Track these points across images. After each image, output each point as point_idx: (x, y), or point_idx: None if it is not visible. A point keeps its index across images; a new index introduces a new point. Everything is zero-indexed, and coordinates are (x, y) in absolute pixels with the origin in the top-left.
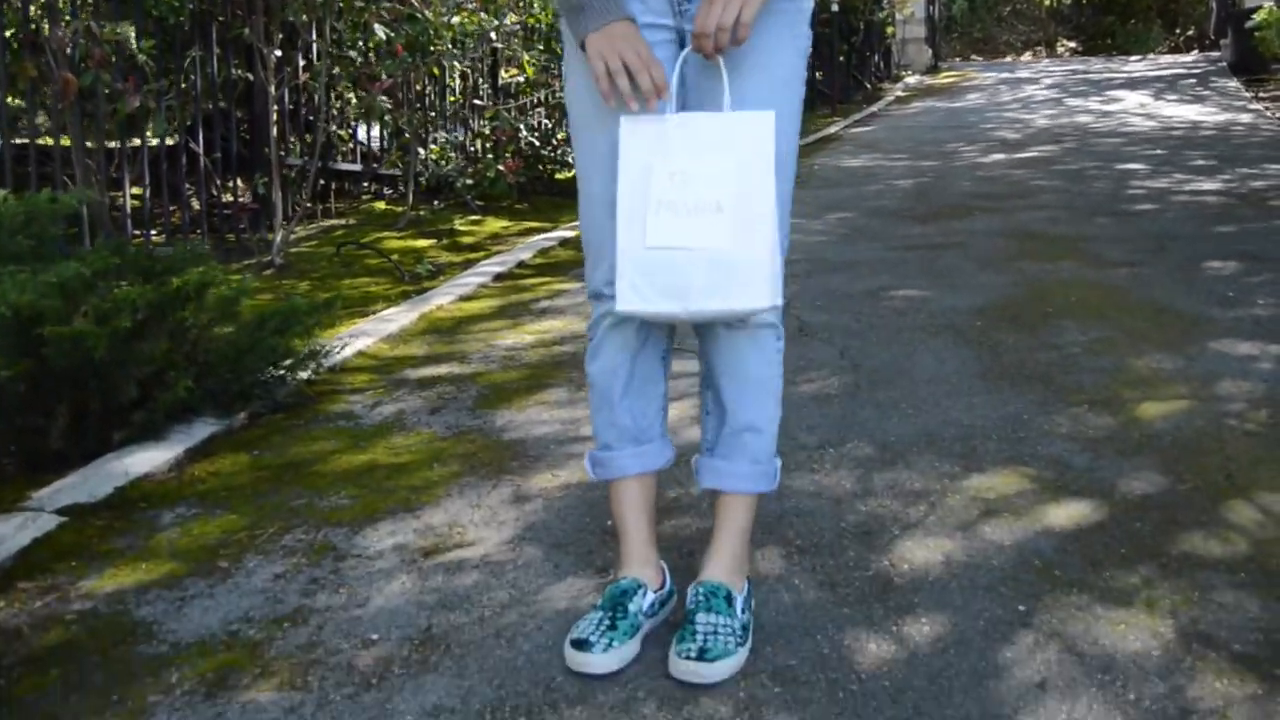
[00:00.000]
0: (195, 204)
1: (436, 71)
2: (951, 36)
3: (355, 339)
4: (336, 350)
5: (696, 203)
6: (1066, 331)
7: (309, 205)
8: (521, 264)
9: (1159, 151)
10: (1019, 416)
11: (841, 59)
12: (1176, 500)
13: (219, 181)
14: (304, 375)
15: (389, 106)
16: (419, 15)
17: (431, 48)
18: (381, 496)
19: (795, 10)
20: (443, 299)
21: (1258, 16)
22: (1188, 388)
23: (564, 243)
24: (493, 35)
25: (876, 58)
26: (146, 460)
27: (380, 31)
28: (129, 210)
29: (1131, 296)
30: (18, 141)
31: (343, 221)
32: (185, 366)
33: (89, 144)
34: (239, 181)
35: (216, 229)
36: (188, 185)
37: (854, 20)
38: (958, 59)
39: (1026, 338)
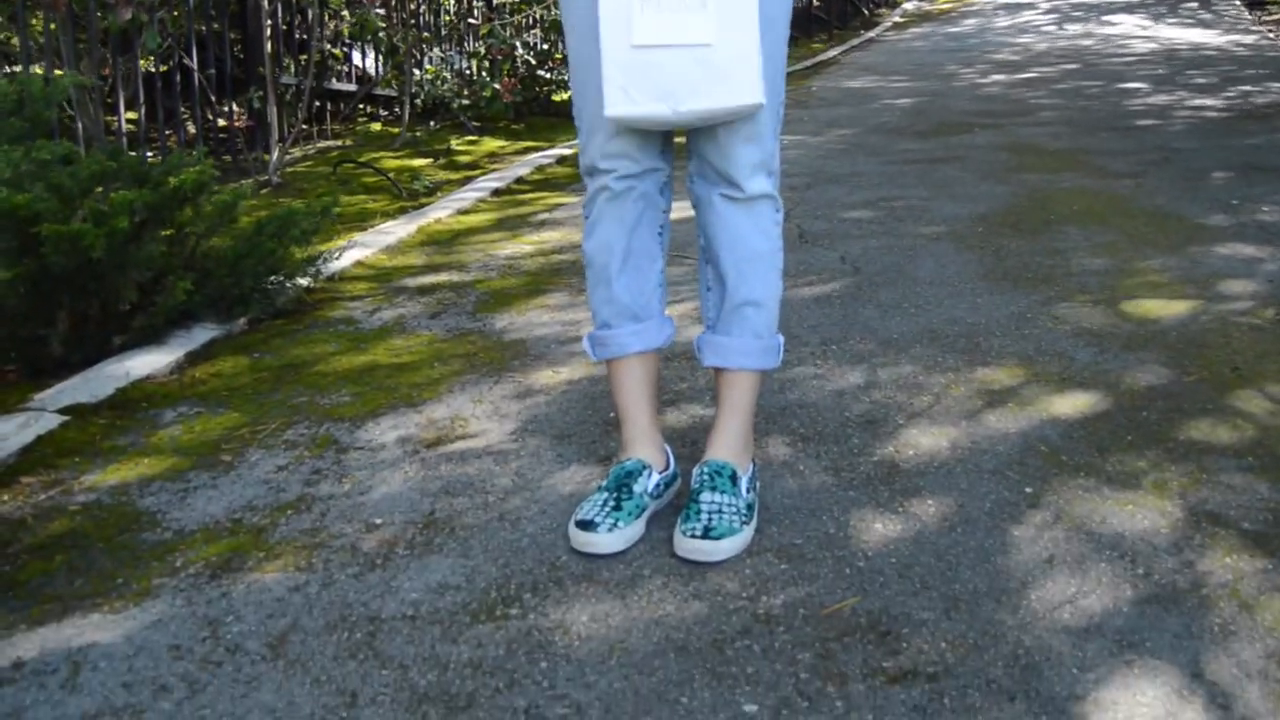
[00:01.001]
0: (190, 127)
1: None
2: None
3: (353, 249)
4: (334, 257)
5: None
6: (1069, 236)
7: (305, 126)
8: (519, 180)
9: (1161, 71)
10: (1023, 314)
11: None
12: (1182, 390)
13: (214, 101)
14: (303, 282)
15: (383, 25)
16: None
17: None
18: (383, 394)
19: None
20: (440, 213)
21: None
22: (1192, 287)
23: (562, 160)
24: None
25: None
26: (147, 363)
27: None
28: (124, 132)
29: (1134, 204)
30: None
31: (339, 142)
32: (184, 272)
33: (81, 65)
34: (234, 104)
35: (213, 151)
36: (183, 108)
37: None
38: None
39: (1029, 242)
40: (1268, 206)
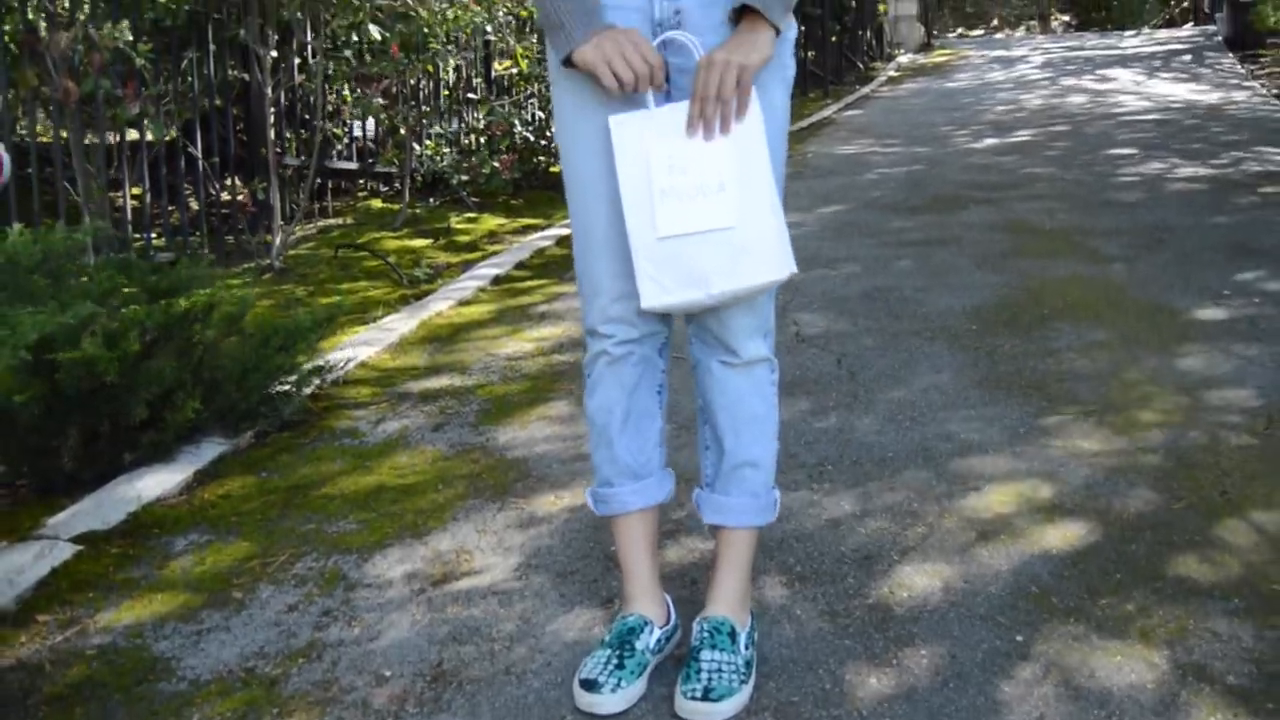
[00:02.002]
0: (194, 204)
1: (431, 69)
2: (944, 10)
3: (357, 348)
4: (340, 366)
5: (699, 185)
6: (1062, 335)
7: (307, 206)
8: (519, 265)
9: (1154, 134)
10: (1015, 430)
11: (833, 39)
12: (1171, 520)
13: (217, 183)
14: (308, 391)
15: (384, 104)
16: (414, 14)
17: (427, 46)
18: (389, 521)
19: (782, 43)
20: (441, 305)
21: None
22: (1183, 397)
23: (560, 241)
24: (487, 28)
25: (869, 36)
26: (157, 484)
27: (375, 31)
28: (129, 212)
29: (1127, 294)
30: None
31: (340, 221)
32: (192, 385)
33: (89, 138)
34: (236, 180)
35: (215, 229)
36: (186, 185)
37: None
38: (951, 34)
39: (1022, 342)
40: (1258, 297)
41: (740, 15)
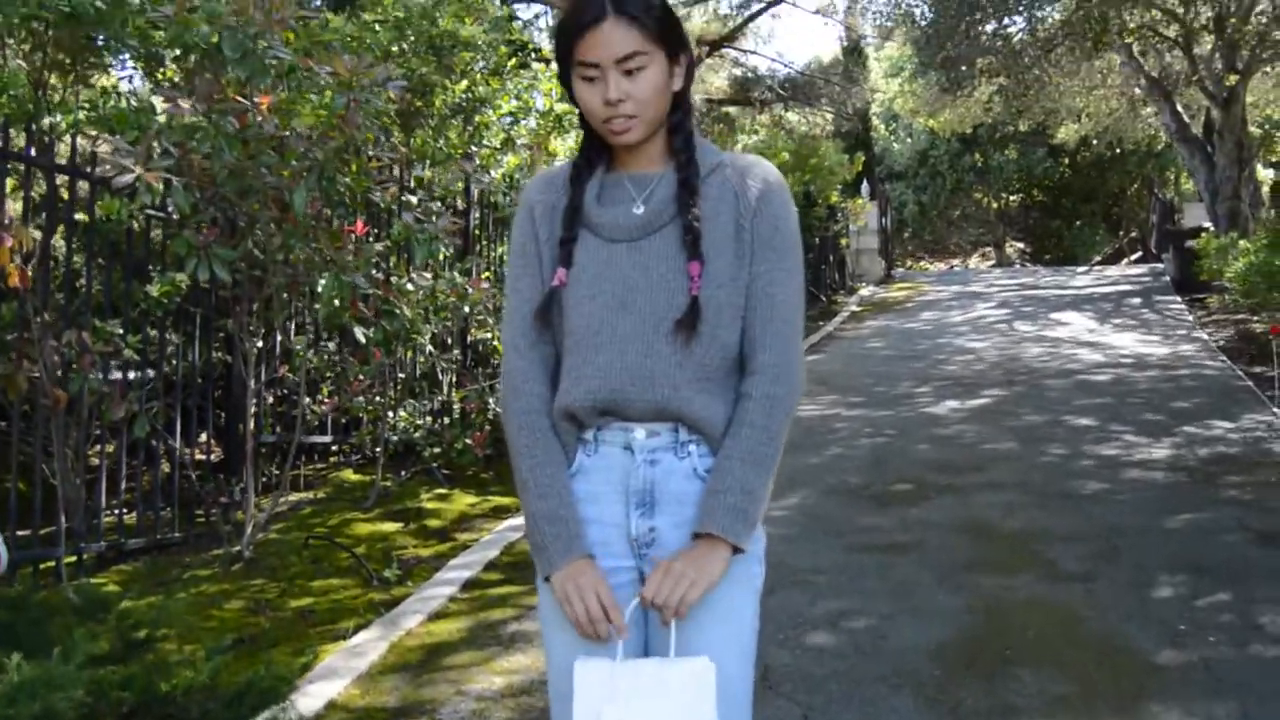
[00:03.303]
0: (166, 466)
1: (410, 353)
2: (904, 238)
3: (327, 680)
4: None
5: None
6: (1024, 685)
7: (279, 493)
8: (489, 564)
9: (1108, 400)
10: None
11: None
12: None
13: (192, 455)
14: None
15: (365, 391)
16: (398, 311)
17: (410, 339)
18: None
19: (749, 556)
20: (412, 620)
21: (1196, 243)
22: None
23: None
24: (465, 308)
25: (832, 269)
26: None
27: (359, 334)
28: (103, 489)
29: (1087, 628)
30: None
31: (312, 495)
32: None
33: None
34: (210, 453)
35: (187, 504)
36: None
37: (811, 235)
38: (910, 262)
39: (984, 694)
40: (1213, 633)
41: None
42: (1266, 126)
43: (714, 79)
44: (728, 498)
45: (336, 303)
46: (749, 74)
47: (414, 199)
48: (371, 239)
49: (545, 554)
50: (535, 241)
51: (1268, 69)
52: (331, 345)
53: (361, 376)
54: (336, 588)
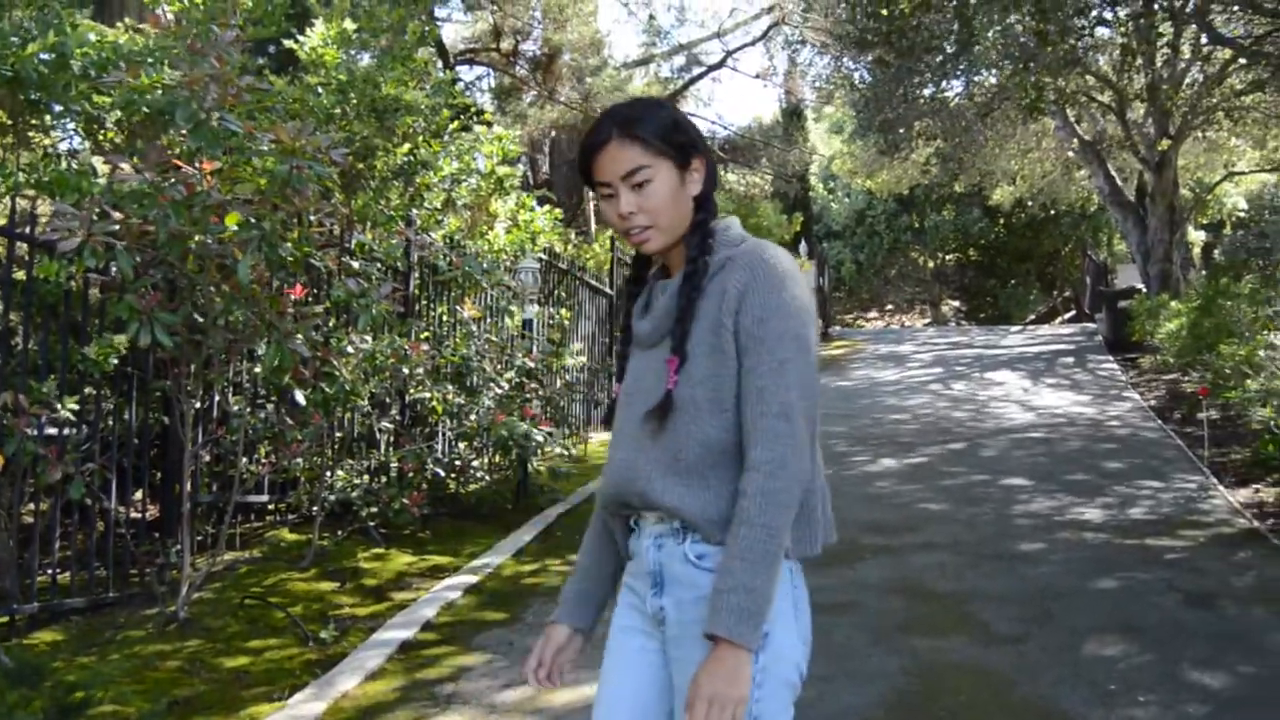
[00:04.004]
0: (101, 525)
1: (347, 414)
2: (841, 295)
3: None
4: None
5: None
6: None
7: (215, 552)
8: (427, 624)
9: (1041, 459)
10: None
11: None
12: None
13: (127, 514)
14: None
15: (301, 456)
16: (338, 374)
17: (349, 401)
18: None
19: (776, 654)
20: (349, 681)
21: (1129, 304)
22: None
23: (468, 590)
24: (404, 370)
25: None
26: None
27: (300, 398)
28: (37, 549)
29: (1017, 692)
30: None
31: (248, 554)
32: None
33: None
34: (146, 507)
35: (122, 564)
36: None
37: None
38: (848, 319)
39: None
40: (1142, 694)
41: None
42: (1198, 190)
43: None
44: (731, 598)
45: (277, 364)
46: None
47: (355, 264)
48: (311, 300)
49: (559, 605)
50: None
51: (1199, 134)
52: (270, 406)
53: (300, 438)
54: (272, 648)
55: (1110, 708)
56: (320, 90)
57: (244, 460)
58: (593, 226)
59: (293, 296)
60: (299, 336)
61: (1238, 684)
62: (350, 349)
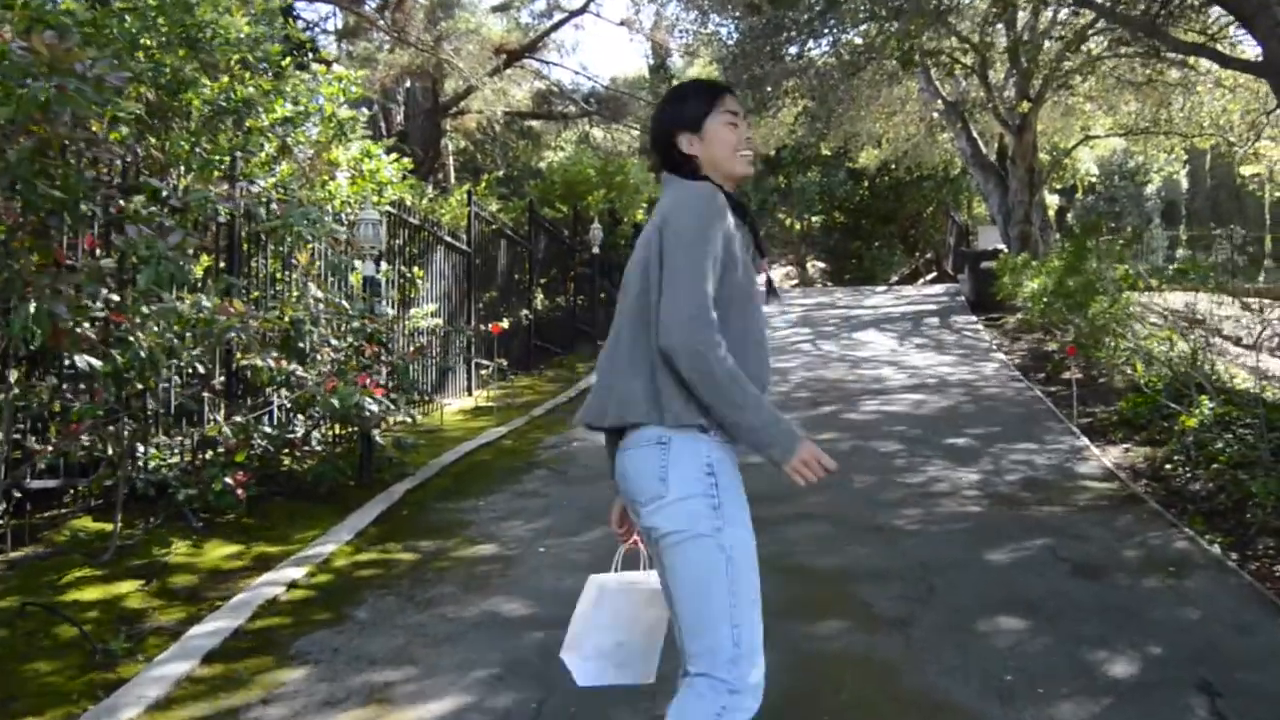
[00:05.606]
0: None
1: (153, 385)
2: None
3: None
4: None
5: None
6: None
7: None
8: (237, 632)
9: (915, 423)
10: None
11: (603, 296)
12: None
13: None
14: None
15: (86, 443)
16: (132, 338)
17: (149, 372)
18: None
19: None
20: (133, 710)
21: (994, 264)
22: None
23: (293, 585)
24: (216, 334)
25: None
26: None
27: (82, 362)
28: None
29: (907, 683)
30: None
31: (38, 550)
32: None
33: None
34: None
35: None
36: None
37: (616, 255)
38: None
39: None
40: (1042, 686)
41: None
42: (1055, 154)
43: (516, 91)
44: None
45: (37, 332)
46: (552, 87)
47: (144, 211)
48: (103, 254)
49: (791, 433)
50: None
51: (1056, 98)
52: (45, 385)
53: (83, 414)
54: (50, 672)
55: (1008, 702)
56: (127, 16)
57: (32, 440)
58: (451, 180)
59: (86, 248)
60: (64, 292)
61: (1143, 667)
62: (147, 310)
